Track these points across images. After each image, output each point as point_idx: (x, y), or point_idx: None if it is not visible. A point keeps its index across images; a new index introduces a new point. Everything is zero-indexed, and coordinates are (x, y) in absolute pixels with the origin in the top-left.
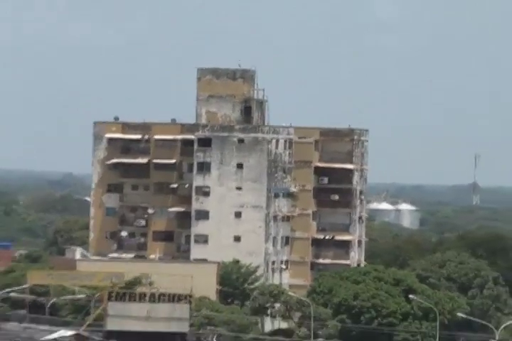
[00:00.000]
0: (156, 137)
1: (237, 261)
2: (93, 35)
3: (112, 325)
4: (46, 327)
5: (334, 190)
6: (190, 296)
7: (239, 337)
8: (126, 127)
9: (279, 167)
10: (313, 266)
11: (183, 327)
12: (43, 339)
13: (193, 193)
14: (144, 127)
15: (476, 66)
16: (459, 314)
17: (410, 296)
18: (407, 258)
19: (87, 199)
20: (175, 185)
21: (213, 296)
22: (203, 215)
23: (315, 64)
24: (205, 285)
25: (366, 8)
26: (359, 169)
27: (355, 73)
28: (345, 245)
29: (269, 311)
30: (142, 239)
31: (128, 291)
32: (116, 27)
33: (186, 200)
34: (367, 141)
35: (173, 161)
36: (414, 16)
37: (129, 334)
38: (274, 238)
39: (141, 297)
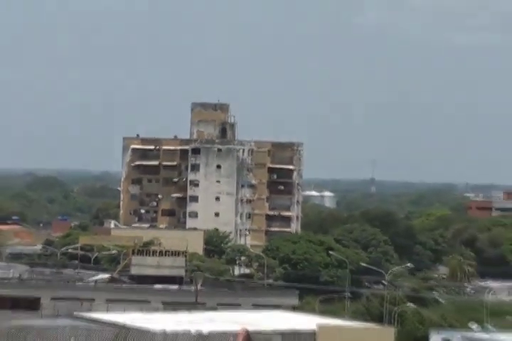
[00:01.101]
0: (164, 147)
1: (217, 229)
2: (124, 79)
3: (134, 270)
4: (91, 272)
5: (280, 182)
6: (186, 252)
7: (217, 278)
8: (144, 141)
9: (244, 167)
10: (267, 232)
11: (181, 272)
12: (89, 279)
13: (188, 184)
14: (156, 141)
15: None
16: (362, 264)
17: (330, 252)
18: (327, 227)
19: (118, 188)
20: (176, 179)
21: (201, 252)
22: (194, 199)
23: (269, 97)
24: (196, 245)
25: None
26: (297, 169)
27: (293, 102)
28: (288, 219)
29: (237, 262)
30: (154, 215)
31: (145, 249)
32: (137, 74)
33: (183, 189)
34: (302, 150)
35: (175, 163)
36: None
37: (145, 277)
38: (241, 214)
39: (154, 252)
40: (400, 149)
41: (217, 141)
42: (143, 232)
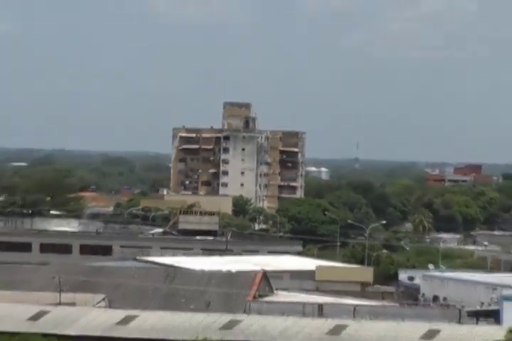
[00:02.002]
0: (203, 135)
1: (242, 196)
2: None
3: (181, 226)
4: (149, 227)
5: (289, 161)
6: (218, 212)
7: (242, 232)
8: (188, 130)
9: (262, 150)
10: (278, 198)
11: (215, 227)
12: (148, 232)
13: (220, 162)
14: (197, 130)
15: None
16: (349, 221)
17: (325, 212)
18: (323, 194)
19: (169, 165)
20: (212, 158)
21: (230, 212)
22: (225, 173)
23: (280, 98)
24: (226, 207)
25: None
26: (301, 151)
27: (298, 102)
28: (294, 188)
29: (256, 220)
30: (195, 185)
31: (189, 210)
32: (185, 79)
33: (217, 166)
34: (304, 137)
35: (211, 147)
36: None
37: (190, 230)
38: (260, 184)
39: (195, 213)
40: (377, 136)
41: (242, 130)
42: (187, 198)
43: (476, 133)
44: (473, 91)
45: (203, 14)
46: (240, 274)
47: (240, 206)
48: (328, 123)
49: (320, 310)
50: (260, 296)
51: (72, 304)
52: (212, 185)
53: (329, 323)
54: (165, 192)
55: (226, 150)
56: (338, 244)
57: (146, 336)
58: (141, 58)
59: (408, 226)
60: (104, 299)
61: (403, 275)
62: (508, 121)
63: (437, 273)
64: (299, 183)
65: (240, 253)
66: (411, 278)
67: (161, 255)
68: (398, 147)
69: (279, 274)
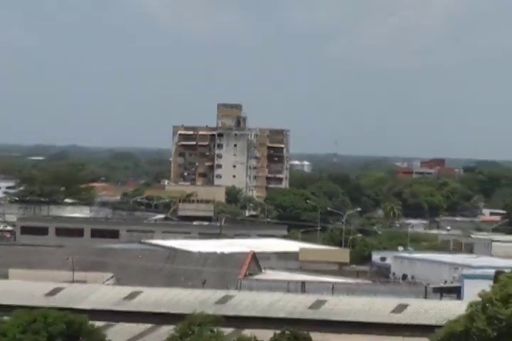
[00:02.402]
0: (199, 133)
1: (234, 186)
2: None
3: (180, 212)
4: (152, 214)
5: (275, 155)
6: (214, 201)
7: (234, 218)
8: (186, 128)
9: (251, 146)
10: (266, 188)
11: (210, 213)
12: (151, 218)
13: (215, 157)
14: (194, 128)
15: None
16: (328, 208)
17: (307, 201)
18: (306, 184)
19: (170, 159)
20: (207, 153)
21: (223, 200)
22: (219, 166)
23: (267, 100)
24: (220, 196)
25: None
26: (286, 147)
27: (284, 103)
28: (280, 179)
29: (247, 207)
30: (193, 176)
31: (187, 198)
32: (182, 83)
33: (212, 160)
34: (289, 134)
35: (207, 143)
36: None
37: (187, 216)
38: (249, 176)
39: (193, 201)
40: (354, 134)
41: (234, 128)
42: (186, 188)
43: (441, 132)
44: (438, 97)
45: (202, 20)
46: (232, 255)
47: (232, 195)
48: (311, 122)
49: (303, 287)
50: (250, 275)
51: (84, 282)
52: (208, 177)
53: (311, 298)
54: (166, 183)
55: (220, 146)
56: (319, 228)
57: (150, 310)
58: (141, 59)
59: (380, 213)
60: (112, 277)
61: (376, 256)
62: (469, 121)
63: (406, 255)
64: (284, 175)
65: (232, 237)
66: (383, 259)
67: (163, 238)
68: (372, 144)
69: (267, 255)
